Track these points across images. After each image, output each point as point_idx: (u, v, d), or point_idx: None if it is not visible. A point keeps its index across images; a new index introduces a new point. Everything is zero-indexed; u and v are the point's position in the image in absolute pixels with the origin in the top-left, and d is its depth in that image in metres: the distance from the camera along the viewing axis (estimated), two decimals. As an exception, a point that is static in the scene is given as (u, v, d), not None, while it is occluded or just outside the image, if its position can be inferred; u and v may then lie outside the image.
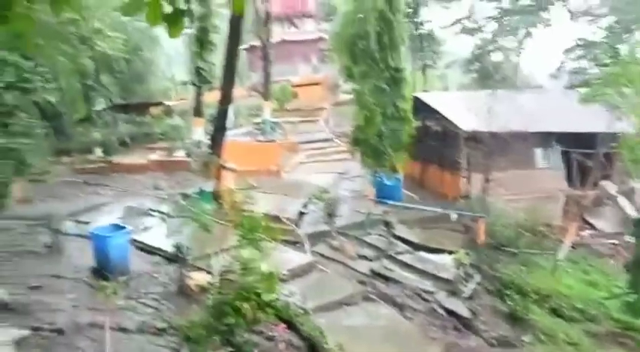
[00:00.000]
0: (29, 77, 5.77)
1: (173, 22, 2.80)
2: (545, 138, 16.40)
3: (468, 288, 11.53)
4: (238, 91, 22.68)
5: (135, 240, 11.21)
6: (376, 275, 11.63)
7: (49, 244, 10.72)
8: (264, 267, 6.75)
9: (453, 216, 13.96)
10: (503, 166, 15.28)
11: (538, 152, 16.86)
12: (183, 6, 2.85)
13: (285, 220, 13.35)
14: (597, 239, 16.05)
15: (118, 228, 10.03)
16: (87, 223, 12.99)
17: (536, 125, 14.34)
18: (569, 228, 14.94)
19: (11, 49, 6.58)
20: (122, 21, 25.85)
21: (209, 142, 16.03)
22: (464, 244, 13.35)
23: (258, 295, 6.48)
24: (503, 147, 14.00)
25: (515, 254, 13.46)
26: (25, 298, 8.02)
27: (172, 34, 2.86)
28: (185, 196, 14.66)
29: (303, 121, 28.46)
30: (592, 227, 16.85)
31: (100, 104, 23.90)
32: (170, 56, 39.41)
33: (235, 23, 14.64)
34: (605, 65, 20.21)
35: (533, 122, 13.90)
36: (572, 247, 14.66)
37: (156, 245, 11.22)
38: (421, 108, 16.18)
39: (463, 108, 15.43)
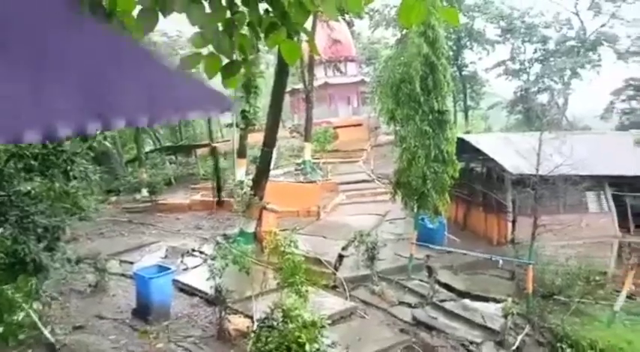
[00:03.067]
0: (89, 126, 6.02)
1: (230, 74, 2.84)
2: (597, 182, 15.69)
3: (517, 340, 10.86)
4: (280, 132, 23.15)
5: (176, 281, 11.31)
6: (419, 323, 11.16)
7: (94, 283, 10.95)
8: (307, 315, 6.55)
9: (500, 262, 13.36)
10: (552, 210, 14.61)
11: (589, 196, 16.11)
12: (239, 58, 2.90)
13: (325, 263, 13.17)
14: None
15: (161, 269, 10.14)
16: (131, 263, 13.26)
17: (588, 168, 13.75)
18: (625, 277, 13.97)
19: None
20: (172, 67, 27.21)
21: (251, 183, 16.25)
22: (511, 292, 12.71)
23: (301, 345, 6.25)
24: (553, 191, 13.45)
25: (567, 304, 12.66)
26: (69, 338, 8.11)
27: (229, 85, 2.91)
28: (226, 237, 14.79)
29: (343, 162, 28.55)
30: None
31: (149, 146, 24.81)
32: (215, 99, 40.85)
33: (282, 70, 15.12)
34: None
35: (584, 165, 13.35)
36: (630, 297, 13.65)
37: (196, 286, 11.26)
38: (465, 149, 15.91)
39: (510, 150, 15.04)
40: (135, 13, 3.15)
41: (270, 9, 2.97)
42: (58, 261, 6.37)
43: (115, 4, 3.41)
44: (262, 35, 3.02)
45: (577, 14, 33.72)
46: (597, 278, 13.45)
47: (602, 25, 33.08)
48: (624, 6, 32.05)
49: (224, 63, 2.91)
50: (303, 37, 3.30)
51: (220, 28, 2.91)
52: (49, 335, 7.65)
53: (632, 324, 12.69)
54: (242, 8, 2.99)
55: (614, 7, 32.29)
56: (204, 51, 2.91)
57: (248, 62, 3.13)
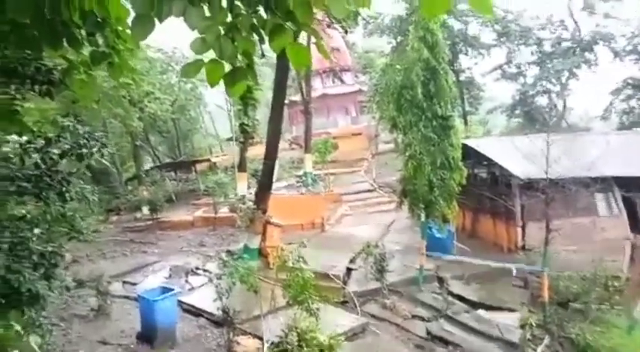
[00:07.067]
0: (85, 143, 5.74)
1: (234, 81, 2.58)
2: (606, 184, 15.36)
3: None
4: (279, 145, 22.88)
5: (181, 302, 10.95)
6: (434, 338, 10.77)
7: (97, 307, 10.59)
8: (323, 338, 6.19)
9: (514, 270, 12.98)
10: (561, 214, 14.28)
11: (598, 198, 15.75)
12: (243, 64, 2.63)
13: (334, 278, 12.80)
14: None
15: (165, 290, 9.78)
16: (134, 284, 12.92)
17: (597, 169, 13.45)
18: (640, 280, 13.59)
19: (65, 115, 6.65)
20: (170, 83, 27.10)
21: (253, 197, 15.94)
22: (525, 301, 12.36)
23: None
24: (563, 194, 13.13)
25: (583, 311, 12.25)
26: (71, 367, 7.76)
27: (233, 93, 2.64)
28: (230, 253, 14.43)
29: (344, 172, 28.28)
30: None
31: (148, 163, 24.52)
32: (212, 113, 40.80)
33: (281, 81, 14.91)
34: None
35: (594, 166, 13.05)
36: (647, 301, 13.26)
37: (202, 307, 10.90)
38: (468, 155, 15.61)
39: (515, 154, 14.75)
40: (129, 20, 2.88)
41: (274, 9, 2.69)
42: (56, 290, 6.02)
43: (107, 11, 3.14)
44: (267, 39, 2.74)
45: (571, 15, 33.71)
46: (614, 283, 13.08)
47: (597, 25, 33.01)
48: (618, 5, 32.03)
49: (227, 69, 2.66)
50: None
51: (222, 32, 2.64)
52: (49, 367, 7.29)
53: (652, 330, 12.28)
54: (244, 10, 2.73)
55: (607, 7, 32.27)
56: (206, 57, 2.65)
57: (253, 68, 2.86)
